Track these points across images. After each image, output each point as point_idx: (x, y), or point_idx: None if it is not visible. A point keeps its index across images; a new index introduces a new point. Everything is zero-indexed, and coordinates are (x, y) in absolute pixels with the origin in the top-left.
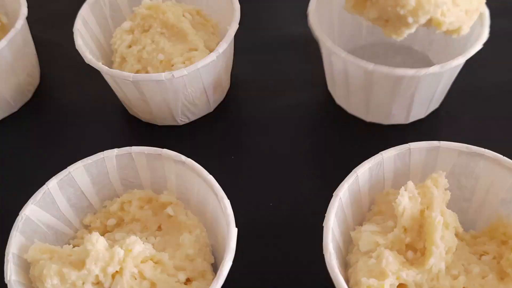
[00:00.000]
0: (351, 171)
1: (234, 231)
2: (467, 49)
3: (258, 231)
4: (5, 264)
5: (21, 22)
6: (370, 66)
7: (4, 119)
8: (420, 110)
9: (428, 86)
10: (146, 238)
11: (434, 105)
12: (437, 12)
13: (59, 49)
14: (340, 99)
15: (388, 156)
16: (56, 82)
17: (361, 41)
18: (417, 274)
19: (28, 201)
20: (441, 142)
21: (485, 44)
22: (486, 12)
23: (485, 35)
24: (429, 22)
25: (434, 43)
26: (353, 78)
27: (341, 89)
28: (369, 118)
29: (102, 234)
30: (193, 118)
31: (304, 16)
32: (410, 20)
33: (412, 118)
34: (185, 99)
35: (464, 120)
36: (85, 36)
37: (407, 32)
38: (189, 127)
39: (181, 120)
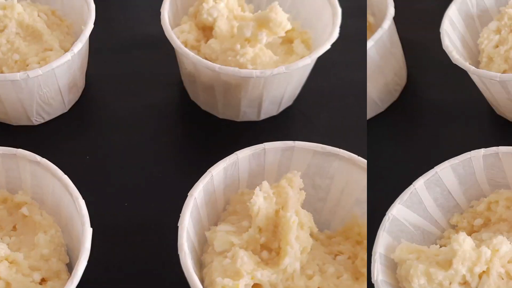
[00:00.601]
0: (206, 170)
1: (89, 231)
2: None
3: (114, 231)
4: None
5: None
6: (216, 67)
7: None
8: (271, 108)
9: (277, 86)
10: (1, 238)
11: (287, 103)
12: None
13: None
14: (193, 95)
15: (243, 156)
16: None
17: None
18: (272, 274)
19: None
20: (296, 142)
21: (338, 44)
22: (339, 12)
23: (334, 35)
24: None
25: None
26: (202, 78)
27: (192, 87)
28: (221, 115)
29: None
30: (48, 118)
31: (160, 16)
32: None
33: (264, 116)
34: (40, 99)
35: (317, 119)
36: None
37: None
38: (45, 127)
39: (36, 120)
